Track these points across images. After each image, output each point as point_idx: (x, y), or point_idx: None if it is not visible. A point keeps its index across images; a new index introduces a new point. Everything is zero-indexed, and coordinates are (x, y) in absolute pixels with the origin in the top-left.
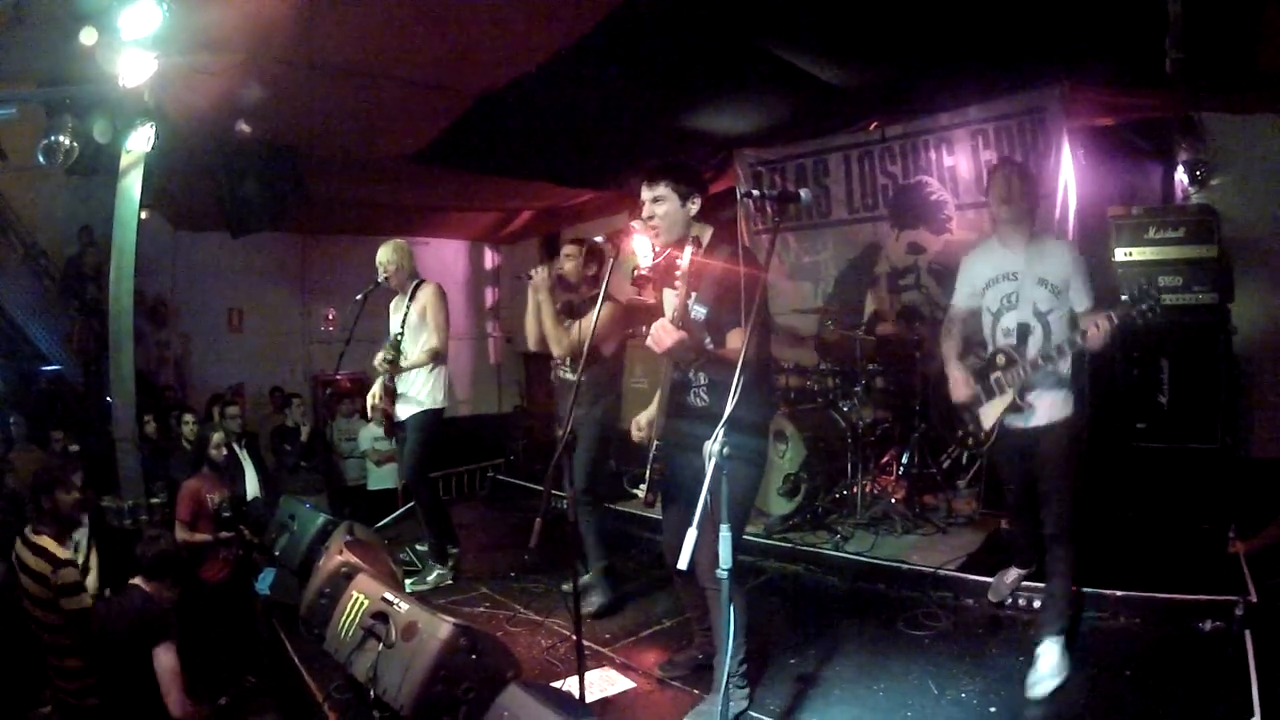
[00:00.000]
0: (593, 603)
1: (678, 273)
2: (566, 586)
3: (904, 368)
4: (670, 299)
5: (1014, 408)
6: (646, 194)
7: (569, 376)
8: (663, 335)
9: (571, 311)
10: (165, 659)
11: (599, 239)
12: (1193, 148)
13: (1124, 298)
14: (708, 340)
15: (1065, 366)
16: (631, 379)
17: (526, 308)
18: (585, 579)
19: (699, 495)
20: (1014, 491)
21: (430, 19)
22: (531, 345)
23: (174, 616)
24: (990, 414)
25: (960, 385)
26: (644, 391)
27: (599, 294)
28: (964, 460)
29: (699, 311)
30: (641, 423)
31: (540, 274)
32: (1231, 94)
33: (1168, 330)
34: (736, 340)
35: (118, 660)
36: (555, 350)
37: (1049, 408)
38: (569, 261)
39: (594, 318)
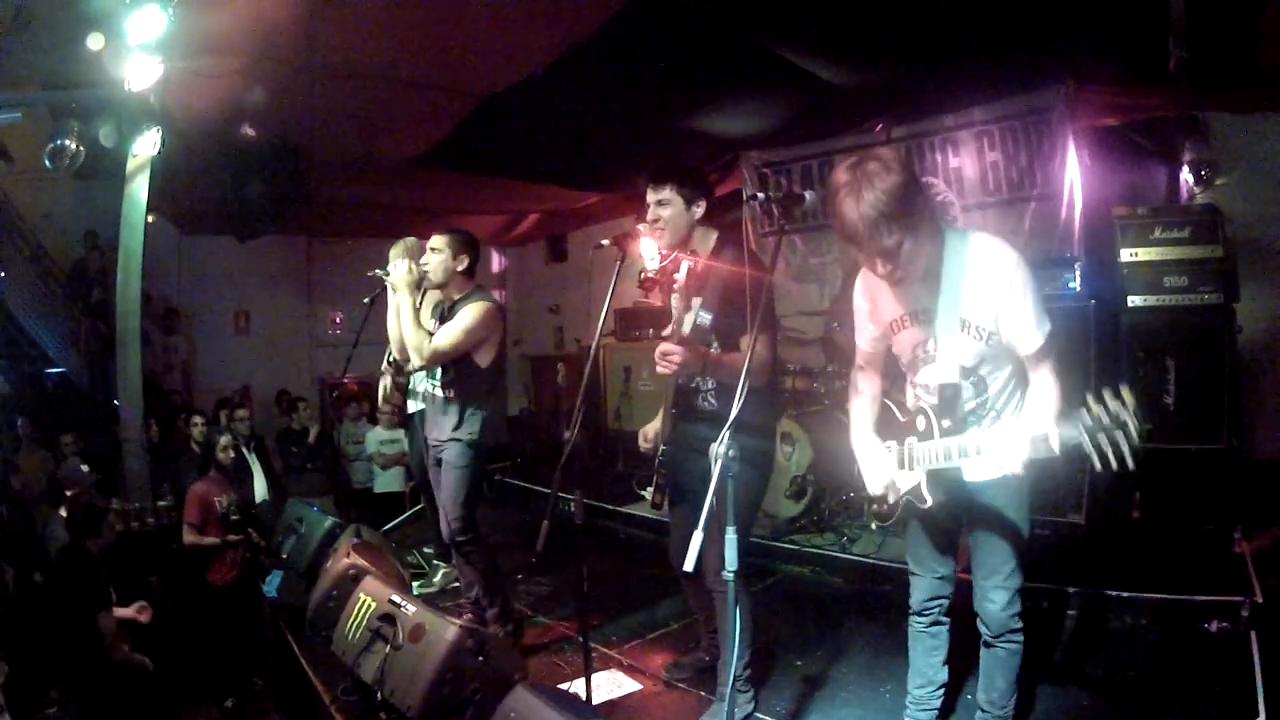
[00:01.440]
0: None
1: (675, 285)
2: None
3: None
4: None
5: (917, 493)
6: (651, 196)
7: (434, 390)
8: (665, 361)
9: (449, 314)
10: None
11: (605, 241)
12: (1197, 147)
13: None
14: (714, 346)
15: (1014, 417)
16: (639, 381)
17: (389, 309)
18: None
19: (705, 497)
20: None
21: (434, 21)
22: (395, 353)
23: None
24: (901, 484)
25: (870, 469)
26: (650, 394)
27: (470, 291)
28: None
29: (704, 318)
30: (649, 434)
31: (399, 269)
32: (1234, 93)
33: (1173, 331)
34: (760, 347)
35: None
36: (414, 359)
37: (988, 466)
38: (435, 256)
39: (463, 320)
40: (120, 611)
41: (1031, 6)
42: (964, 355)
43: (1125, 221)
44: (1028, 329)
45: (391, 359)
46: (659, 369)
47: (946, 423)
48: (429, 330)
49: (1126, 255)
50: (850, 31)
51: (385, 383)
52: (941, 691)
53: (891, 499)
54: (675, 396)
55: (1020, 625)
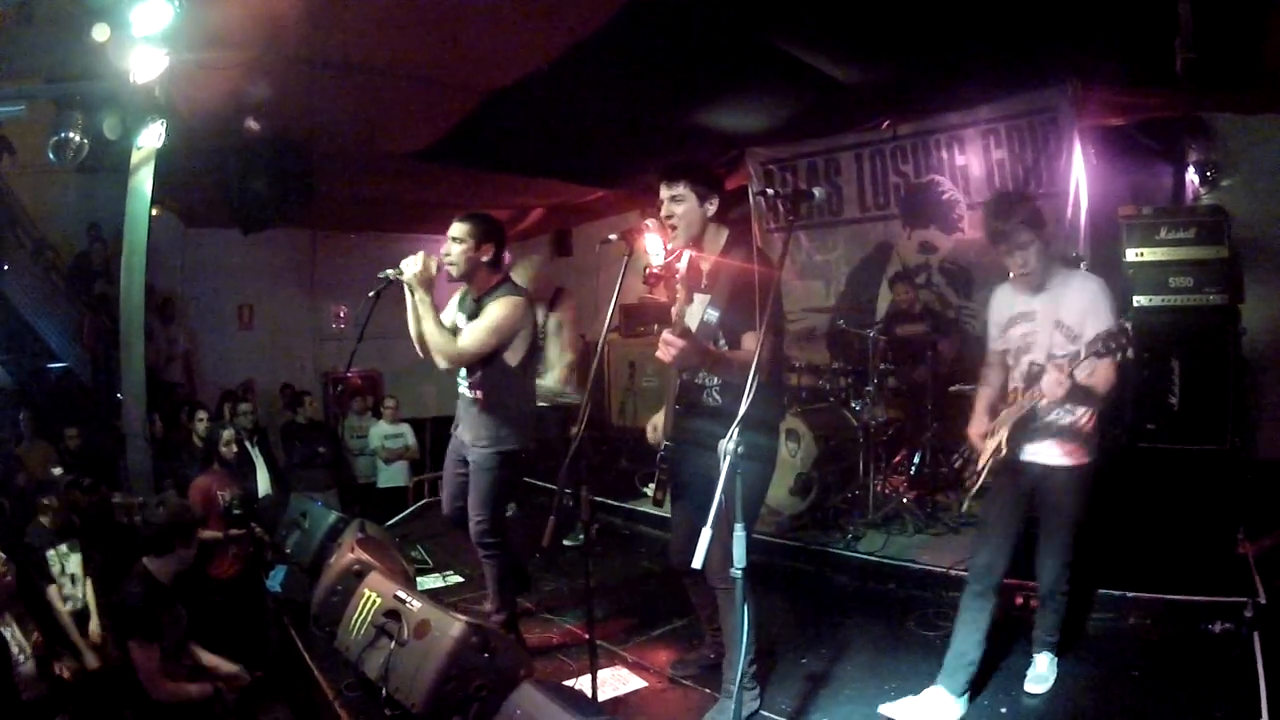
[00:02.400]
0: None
1: (677, 278)
2: (485, 606)
3: (916, 367)
4: (693, 315)
5: (997, 450)
6: (665, 192)
7: (464, 391)
8: (665, 348)
9: (476, 309)
10: (137, 655)
11: (613, 236)
12: (1203, 148)
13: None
14: (721, 341)
15: (1081, 414)
16: (643, 377)
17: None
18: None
19: (710, 494)
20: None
21: (440, 16)
22: (421, 354)
23: (161, 606)
24: (985, 450)
25: (975, 420)
26: (654, 390)
27: (497, 284)
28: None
29: (711, 315)
30: (656, 424)
31: (414, 265)
32: (1241, 94)
33: (1178, 331)
34: (751, 343)
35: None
36: (440, 362)
37: (1052, 450)
38: (456, 246)
39: (490, 317)
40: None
41: (1038, 6)
42: (1056, 347)
43: (1130, 221)
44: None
45: None
46: (658, 353)
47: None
48: (455, 327)
49: (1132, 255)
50: (857, 28)
51: None
52: (971, 668)
53: (979, 464)
54: (679, 392)
55: (1068, 589)
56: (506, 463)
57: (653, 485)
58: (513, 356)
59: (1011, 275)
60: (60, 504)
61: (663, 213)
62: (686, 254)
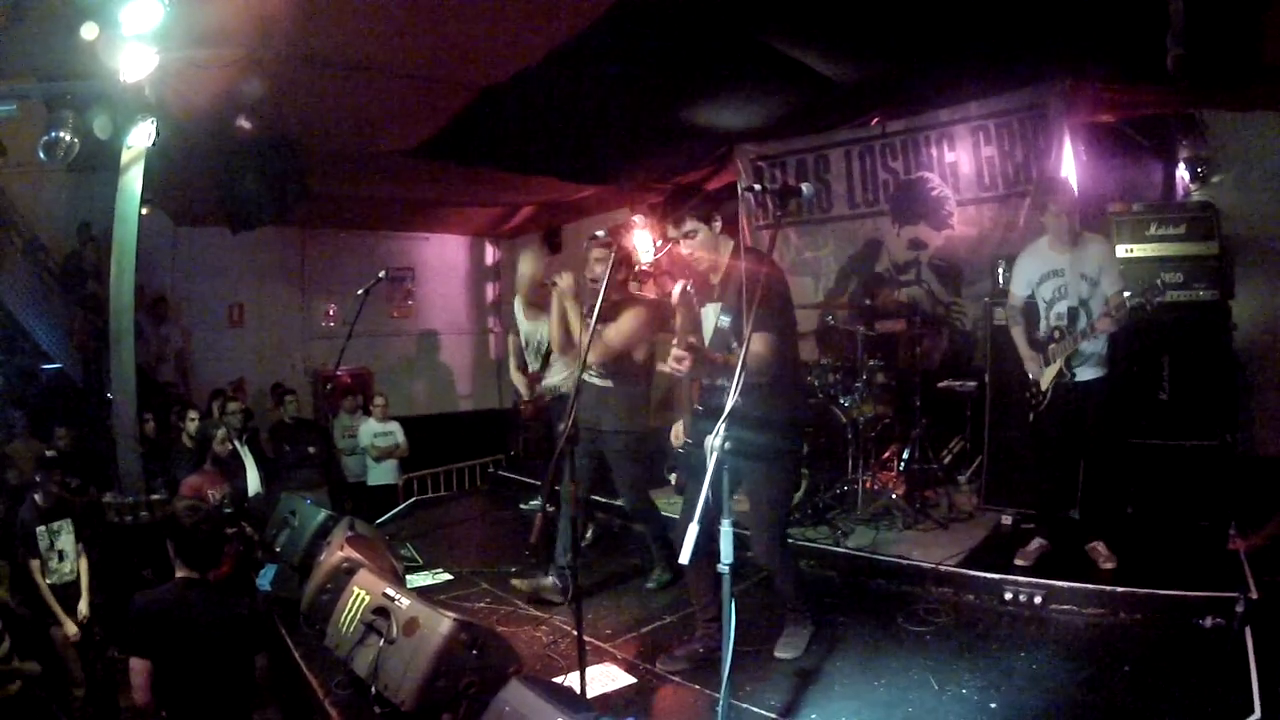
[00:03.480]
0: (532, 584)
1: (674, 300)
2: (518, 582)
3: (905, 363)
4: (707, 315)
5: (1060, 374)
6: (676, 233)
7: (597, 381)
8: (676, 362)
9: (610, 314)
10: (136, 665)
11: (600, 233)
12: (1194, 144)
13: (1127, 294)
14: (734, 344)
15: (1100, 341)
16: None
17: (550, 315)
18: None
19: (730, 490)
20: (1056, 440)
21: (431, 13)
22: (557, 351)
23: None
24: (1047, 377)
25: (1029, 360)
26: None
27: (628, 296)
28: (967, 453)
29: (725, 320)
30: (678, 432)
31: (566, 279)
32: (1232, 91)
33: (1168, 327)
34: (757, 344)
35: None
36: (591, 356)
37: (1091, 370)
38: (599, 265)
39: (630, 322)
40: None
41: (1029, 2)
42: (1083, 293)
43: (1121, 218)
44: (1114, 279)
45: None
46: (669, 368)
47: (1073, 329)
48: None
49: (1122, 251)
50: (847, 25)
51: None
52: None
53: (1044, 385)
54: (699, 395)
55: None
56: (642, 444)
57: (673, 475)
58: (640, 353)
59: (1047, 237)
60: (55, 482)
61: (683, 251)
62: (678, 288)
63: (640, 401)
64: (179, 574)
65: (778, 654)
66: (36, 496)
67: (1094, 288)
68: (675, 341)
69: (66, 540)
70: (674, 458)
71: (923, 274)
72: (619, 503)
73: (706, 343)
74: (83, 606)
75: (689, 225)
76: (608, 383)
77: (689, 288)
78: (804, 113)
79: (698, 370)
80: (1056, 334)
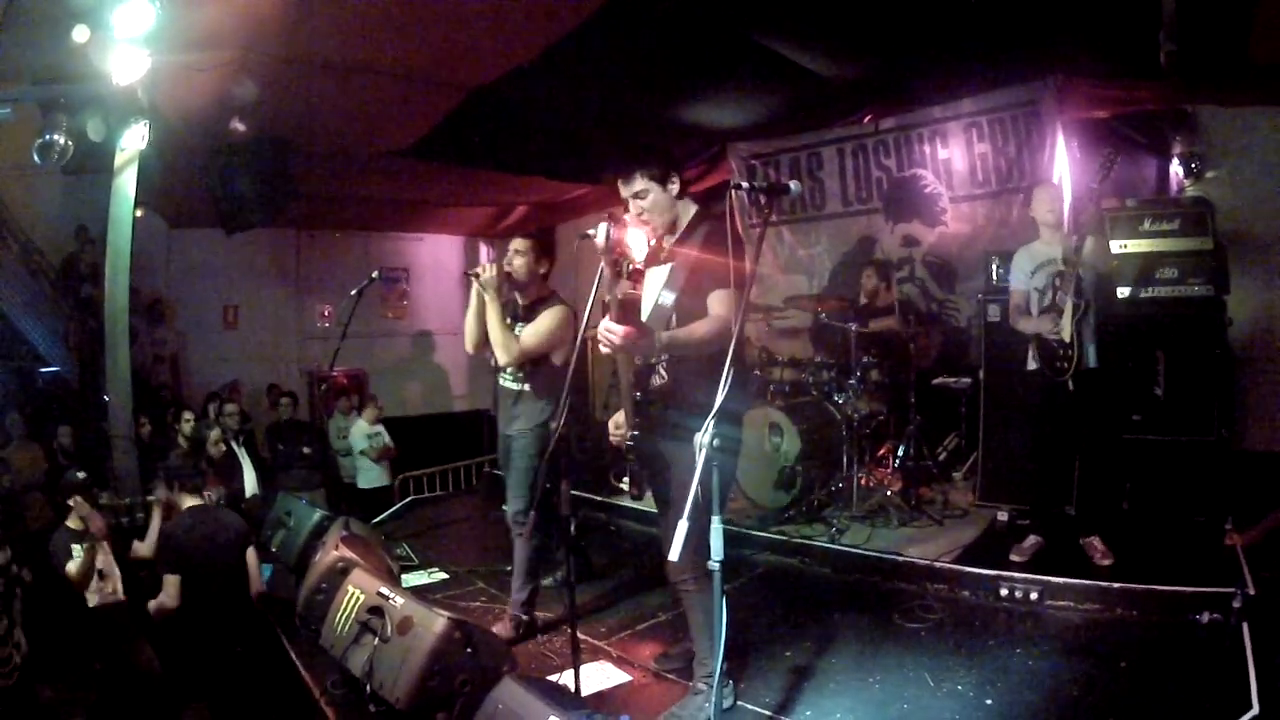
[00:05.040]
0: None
1: (620, 271)
2: (548, 581)
3: (899, 360)
4: (649, 280)
5: (1076, 308)
6: (625, 191)
7: (511, 385)
8: (607, 335)
9: (515, 315)
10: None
11: (590, 232)
12: (1187, 140)
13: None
14: (673, 320)
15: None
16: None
17: (469, 306)
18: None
19: (667, 483)
20: (1051, 436)
21: (423, 12)
22: (469, 349)
23: None
24: (1067, 323)
25: (1046, 321)
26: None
27: (547, 295)
28: (961, 449)
29: (667, 297)
30: (618, 422)
31: (488, 271)
32: (1225, 86)
33: (1163, 323)
34: (718, 305)
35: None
36: (501, 357)
37: (1093, 354)
38: (519, 258)
39: (546, 323)
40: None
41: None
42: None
43: (1114, 214)
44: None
45: None
46: (600, 345)
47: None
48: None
49: (1116, 247)
50: (838, 23)
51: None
52: None
53: (1066, 335)
54: (635, 380)
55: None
56: (544, 446)
57: (626, 480)
58: (559, 358)
59: (1042, 234)
60: (84, 504)
61: (633, 211)
62: (629, 229)
63: (551, 406)
64: (185, 504)
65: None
66: (70, 523)
67: (1089, 270)
68: (608, 306)
69: (105, 560)
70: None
71: (916, 271)
72: (617, 501)
73: (645, 313)
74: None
75: (639, 184)
76: (524, 386)
77: (615, 233)
78: (797, 110)
79: (632, 347)
80: (1055, 287)
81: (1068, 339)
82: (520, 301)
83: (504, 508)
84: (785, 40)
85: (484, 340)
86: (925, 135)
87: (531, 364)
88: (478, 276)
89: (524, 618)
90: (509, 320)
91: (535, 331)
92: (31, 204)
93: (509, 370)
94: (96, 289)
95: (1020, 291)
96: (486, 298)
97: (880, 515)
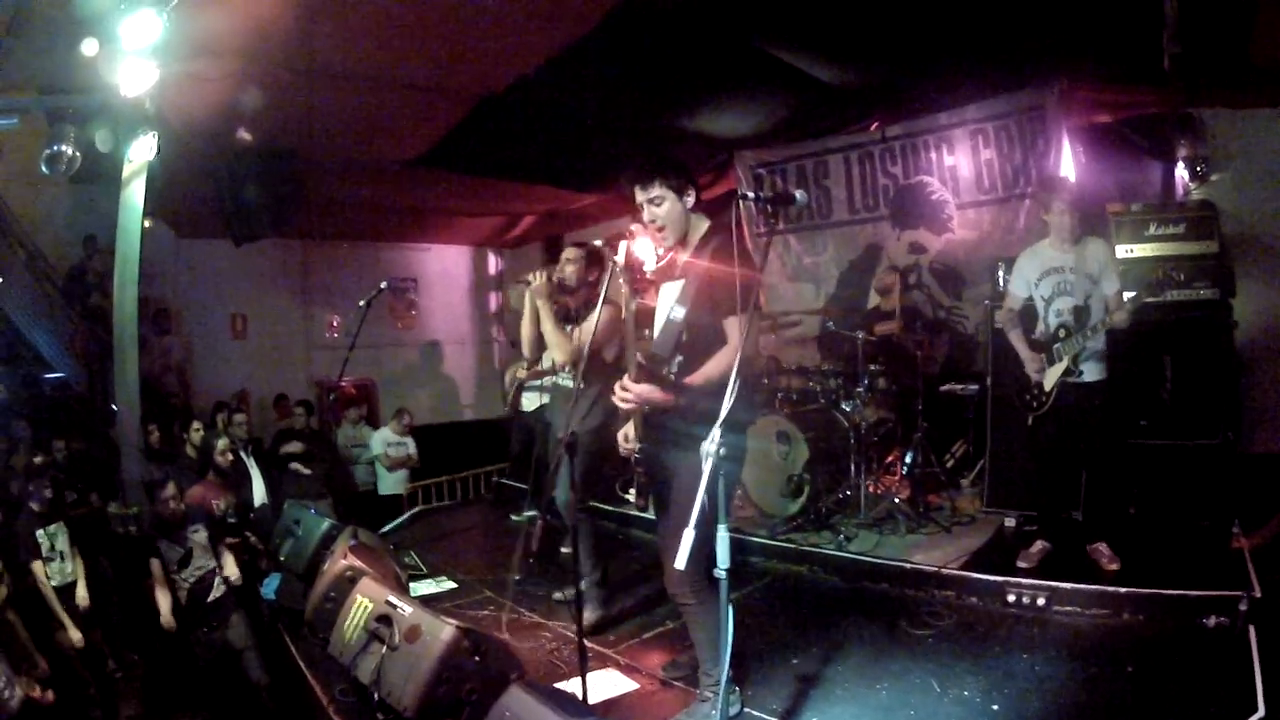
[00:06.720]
0: (585, 618)
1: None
2: (559, 595)
3: (906, 368)
4: (662, 295)
5: (1068, 371)
6: (642, 196)
7: (568, 384)
8: (624, 395)
9: (568, 317)
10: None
11: (598, 242)
12: (1192, 144)
13: (1128, 295)
14: (683, 335)
15: (1102, 339)
16: None
17: (523, 314)
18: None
19: (670, 492)
20: (1058, 442)
21: (429, 22)
22: (527, 352)
23: None
24: (1051, 378)
25: (1030, 361)
26: None
27: (597, 299)
28: (969, 456)
29: (678, 312)
30: (628, 433)
31: (539, 279)
32: (1229, 89)
33: (1170, 326)
34: (735, 333)
35: None
36: (558, 357)
37: (1095, 366)
38: (570, 266)
39: (594, 323)
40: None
41: (1025, 5)
42: (1086, 290)
43: (1120, 218)
44: (1113, 278)
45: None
46: (619, 403)
47: (1079, 326)
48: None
49: (1122, 252)
50: (845, 31)
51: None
52: None
53: (1048, 386)
54: None
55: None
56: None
57: (633, 491)
58: (609, 353)
59: (1049, 237)
60: (47, 486)
61: (646, 218)
62: (624, 242)
63: (605, 398)
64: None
65: None
66: (33, 504)
67: (1094, 286)
68: (628, 365)
69: (63, 541)
70: (627, 472)
71: (923, 278)
72: (626, 511)
73: (656, 328)
74: (81, 590)
75: (656, 190)
76: (581, 385)
77: (629, 250)
78: (803, 118)
79: (651, 403)
80: (1061, 332)
81: (1048, 388)
82: (571, 305)
83: (522, 514)
84: (791, 48)
85: (538, 343)
86: (931, 142)
87: (586, 362)
88: (529, 284)
89: (603, 590)
90: (562, 323)
91: (586, 329)
92: (38, 213)
93: (566, 370)
94: (105, 298)
95: (1017, 298)
96: (539, 303)
97: (888, 522)
